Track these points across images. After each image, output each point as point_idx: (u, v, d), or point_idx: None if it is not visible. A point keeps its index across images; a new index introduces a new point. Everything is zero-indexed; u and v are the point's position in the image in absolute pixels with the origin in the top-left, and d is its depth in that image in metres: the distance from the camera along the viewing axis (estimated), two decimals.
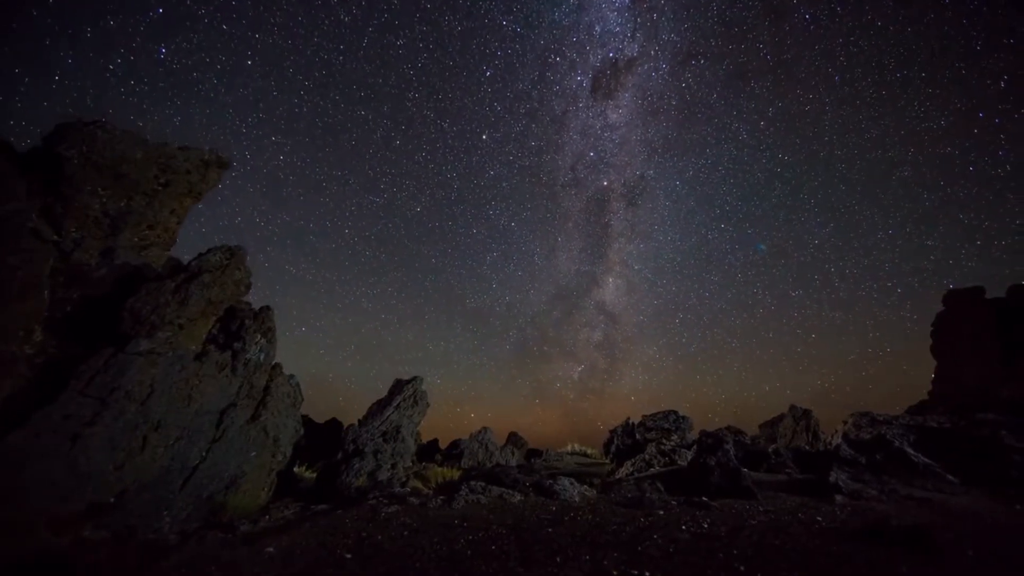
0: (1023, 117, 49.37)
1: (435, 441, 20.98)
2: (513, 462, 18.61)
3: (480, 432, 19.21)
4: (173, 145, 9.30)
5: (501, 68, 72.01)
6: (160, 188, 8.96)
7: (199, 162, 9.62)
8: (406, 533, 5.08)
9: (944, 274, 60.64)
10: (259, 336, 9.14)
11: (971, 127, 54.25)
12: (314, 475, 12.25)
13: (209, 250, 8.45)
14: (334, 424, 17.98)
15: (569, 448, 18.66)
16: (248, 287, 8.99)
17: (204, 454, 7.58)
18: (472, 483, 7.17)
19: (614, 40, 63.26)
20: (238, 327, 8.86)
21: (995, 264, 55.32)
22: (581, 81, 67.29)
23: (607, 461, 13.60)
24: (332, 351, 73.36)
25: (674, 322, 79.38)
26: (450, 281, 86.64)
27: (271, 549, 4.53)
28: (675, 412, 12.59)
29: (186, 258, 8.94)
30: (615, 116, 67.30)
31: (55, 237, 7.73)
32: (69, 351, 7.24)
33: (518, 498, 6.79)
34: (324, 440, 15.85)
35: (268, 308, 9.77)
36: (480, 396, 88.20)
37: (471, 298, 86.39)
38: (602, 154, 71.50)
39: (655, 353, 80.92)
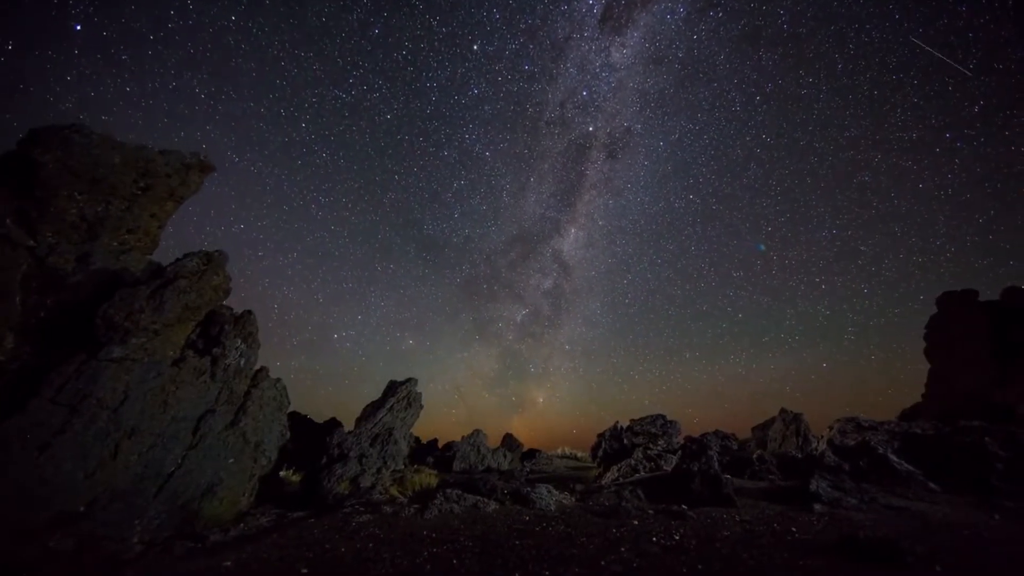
0: (981, 145, 51.83)
1: (434, 441, 20.96)
2: (506, 465, 18.56)
3: (473, 435, 19.18)
4: (153, 149, 9.24)
5: None
6: (139, 192, 8.90)
7: (180, 166, 9.57)
8: (371, 545, 5.02)
9: (865, 280, 64.59)
10: (239, 341, 9.08)
11: (935, 145, 56.79)
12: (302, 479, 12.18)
13: (186, 255, 8.39)
14: (331, 425, 17.89)
15: (560, 451, 18.63)
16: (227, 292, 8.92)
17: (180, 461, 7.51)
18: (448, 491, 7.11)
19: None
20: (217, 332, 8.81)
21: (910, 278, 59.96)
22: (592, 6, 61.21)
23: (595, 465, 13.53)
24: (272, 255, 66.06)
25: (622, 282, 79.70)
26: (410, 203, 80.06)
27: (229, 563, 4.47)
28: (663, 416, 12.52)
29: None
30: (618, 56, 63.26)
31: (30, 242, 7.68)
32: (43, 358, 7.20)
33: (493, 507, 6.72)
34: (320, 442, 15.76)
35: (249, 312, 9.71)
36: (422, 325, 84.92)
37: (429, 224, 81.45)
38: (595, 96, 67.14)
39: (597, 308, 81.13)
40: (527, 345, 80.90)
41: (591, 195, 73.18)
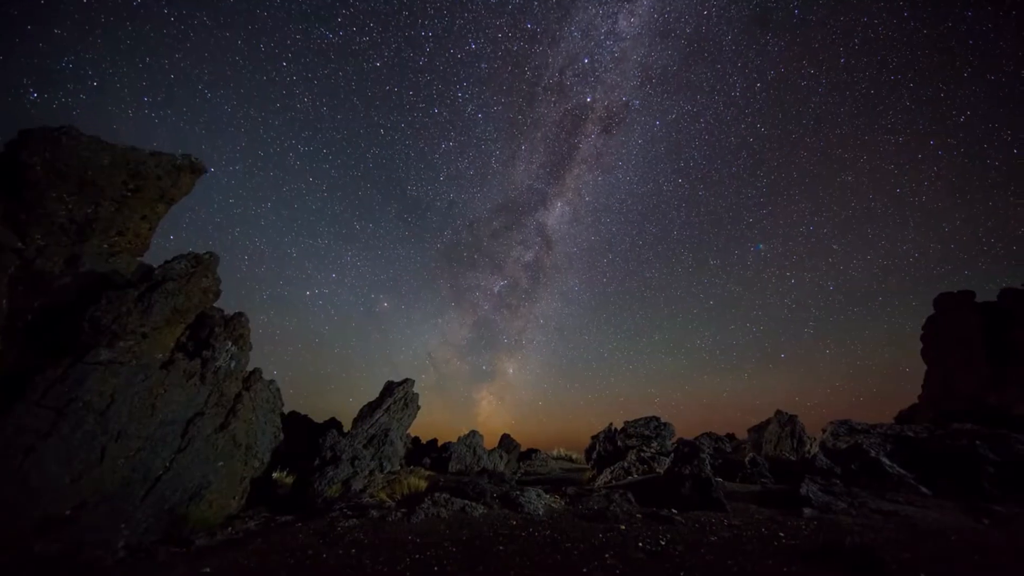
0: (960, 155, 52.56)
1: (434, 441, 20.98)
2: (502, 466, 18.55)
3: (469, 436, 19.19)
4: (144, 150, 9.21)
5: None
6: (129, 194, 8.87)
7: (171, 167, 9.54)
8: (353, 551, 4.99)
9: (832, 278, 66.19)
10: (230, 343, 9.05)
11: (918, 151, 57.74)
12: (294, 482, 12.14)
13: (175, 258, 8.36)
14: (328, 425, 17.86)
15: (556, 452, 18.62)
16: (217, 294, 8.90)
17: (168, 465, 7.48)
18: (436, 495, 7.08)
19: None
20: (207, 334, 8.78)
21: (872, 279, 62.08)
22: None
23: (589, 467, 13.50)
24: (244, 202, 61.27)
25: (602, 261, 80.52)
26: (395, 160, 76.20)
27: (208, 569, 4.45)
28: (656, 419, 12.49)
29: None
30: (625, 24, 61.27)
31: (18, 244, 7.66)
32: (29, 361, 7.17)
33: (480, 511, 6.69)
34: (315, 443, 15.71)
35: (241, 314, 9.68)
36: (398, 287, 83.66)
37: (413, 185, 78.84)
38: (596, 65, 65.11)
39: (576, 285, 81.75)
40: (502, 316, 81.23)
41: (581, 170, 72.28)
